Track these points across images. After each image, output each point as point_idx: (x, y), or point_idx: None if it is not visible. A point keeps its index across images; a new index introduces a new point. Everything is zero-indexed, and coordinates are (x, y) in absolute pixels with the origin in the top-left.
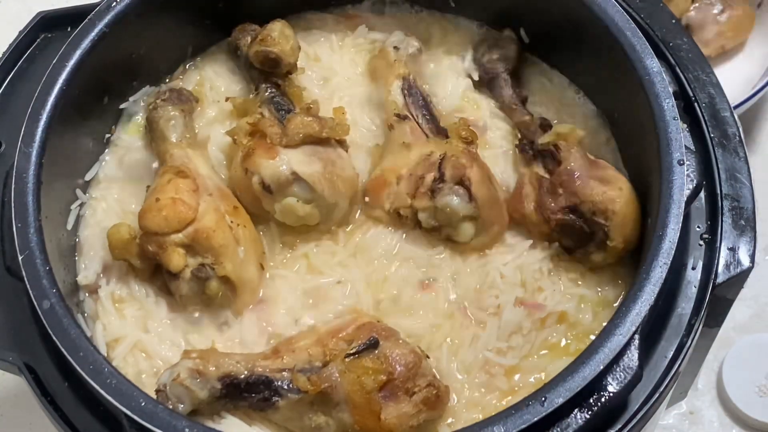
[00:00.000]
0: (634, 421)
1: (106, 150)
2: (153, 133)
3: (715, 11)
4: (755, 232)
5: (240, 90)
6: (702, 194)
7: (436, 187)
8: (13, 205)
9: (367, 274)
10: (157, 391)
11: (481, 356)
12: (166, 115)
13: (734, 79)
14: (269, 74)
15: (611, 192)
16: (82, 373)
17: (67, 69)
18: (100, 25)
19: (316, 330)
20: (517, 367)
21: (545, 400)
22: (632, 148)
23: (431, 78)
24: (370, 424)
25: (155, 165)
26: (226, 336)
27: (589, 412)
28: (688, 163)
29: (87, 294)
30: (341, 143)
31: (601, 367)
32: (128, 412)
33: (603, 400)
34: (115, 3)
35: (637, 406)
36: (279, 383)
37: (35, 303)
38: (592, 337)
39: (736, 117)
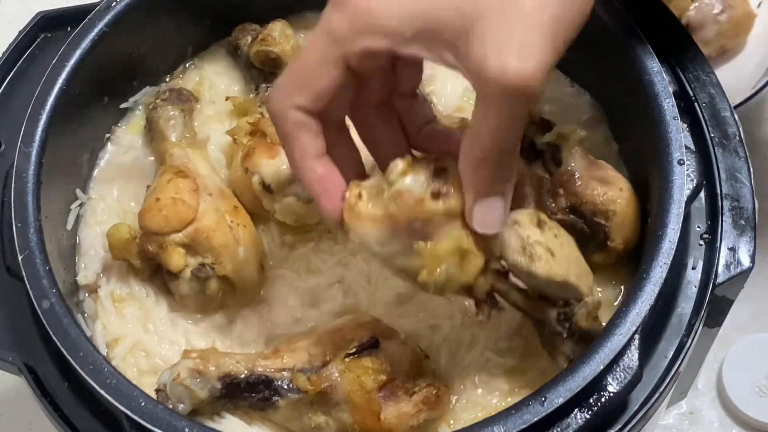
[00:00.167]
0: (634, 421)
1: (106, 150)
2: (153, 133)
3: (715, 11)
4: (755, 232)
5: (240, 89)
6: (702, 194)
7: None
8: (12, 205)
9: (367, 274)
10: (157, 391)
11: (481, 356)
12: (165, 114)
13: (734, 79)
14: (269, 74)
15: (612, 192)
16: (82, 373)
17: (67, 69)
18: (100, 25)
19: (316, 330)
20: (518, 368)
21: (545, 400)
22: (632, 148)
23: (431, 78)
24: (370, 423)
25: (155, 165)
26: (226, 336)
27: (589, 412)
28: (688, 163)
29: (87, 294)
30: None
31: (601, 367)
32: (128, 412)
33: (603, 400)
34: (115, 3)
35: (637, 406)
36: (279, 383)
37: (35, 303)
38: None
39: (736, 117)
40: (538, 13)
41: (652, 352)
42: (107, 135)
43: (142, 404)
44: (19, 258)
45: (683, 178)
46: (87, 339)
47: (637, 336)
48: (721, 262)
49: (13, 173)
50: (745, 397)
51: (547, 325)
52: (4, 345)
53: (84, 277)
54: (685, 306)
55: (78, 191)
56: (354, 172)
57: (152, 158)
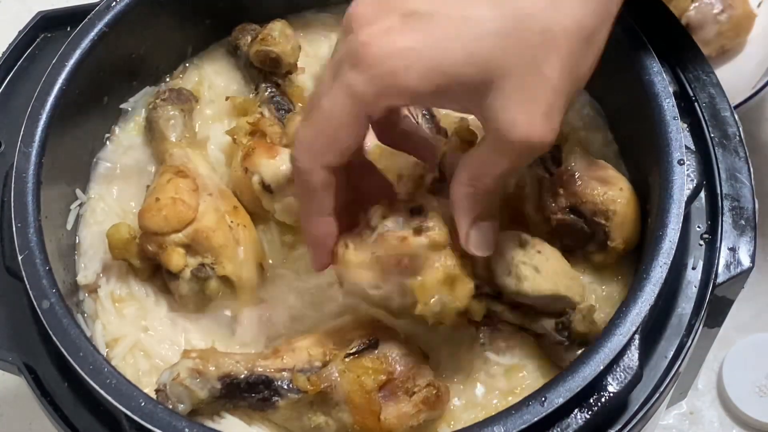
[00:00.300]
0: (635, 421)
1: (106, 150)
2: (152, 133)
3: (715, 11)
4: (755, 232)
5: (239, 89)
6: (702, 194)
7: (435, 188)
8: (12, 204)
9: None
10: (157, 391)
11: (481, 357)
12: (165, 114)
13: (734, 79)
14: (269, 74)
15: (612, 192)
16: (82, 373)
17: (67, 69)
18: (100, 25)
19: (316, 330)
20: (518, 368)
21: (545, 400)
22: (632, 148)
23: None
24: (370, 424)
25: (155, 165)
26: (225, 336)
27: (590, 412)
28: (688, 163)
29: (87, 294)
30: None
31: (601, 367)
32: (128, 412)
33: (603, 400)
34: (115, 3)
35: (637, 406)
36: (279, 383)
37: (35, 303)
38: None
39: (736, 117)
40: (558, 76)
41: (652, 352)
42: (107, 135)
43: (142, 404)
44: (19, 258)
45: (683, 178)
46: (87, 339)
47: (637, 336)
48: (721, 262)
49: (13, 173)
50: (745, 397)
51: (547, 336)
52: (4, 345)
53: (84, 277)
54: (685, 306)
55: (78, 191)
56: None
57: (152, 158)
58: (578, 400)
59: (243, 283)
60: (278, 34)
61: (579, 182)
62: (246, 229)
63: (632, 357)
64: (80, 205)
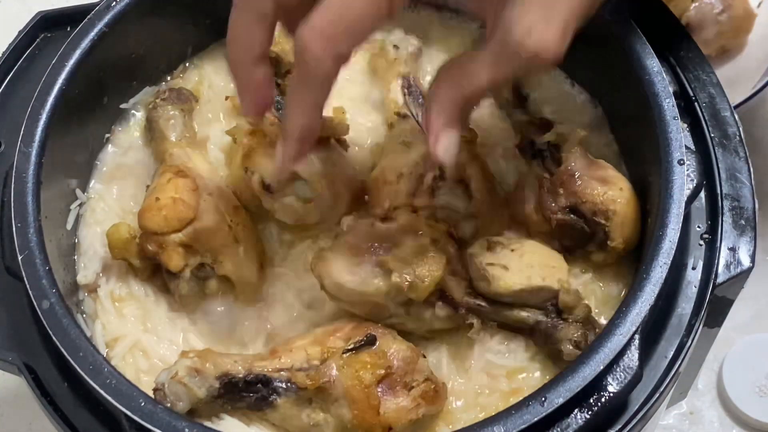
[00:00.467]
0: (635, 421)
1: (106, 149)
2: (152, 133)
3: (715, 11)
4: (755, 232)
5: None
6: (702, 194)
7: (436, 186)
8: (12, 204)
9: None
10: (155, 390)
11: (480, 357)
12: (165, 114)
13: (734, 79)
14: None
15: (612, 192)
16: (82, 373)
17: (67, 69)
18: (100, 25)
19: (314, 331)
20: (518, 368)
21: (545, 400)
22: (632, 148)
23: (431, 77)
24: (369, 418)
25: (155, 165)
26: (225, 335)
27: (590, 412)
28: (688, 163)
29: (86, 293)
30: (341, 142)
31: (601, 367)
32: (128, 412)
33: (603, 400)
34: (115, 3)
35: (637, 406)
36: (277, 381)
37: (35, 303)
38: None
39: (736, 117)
40: None
41: (652, 352)
42: (107, 135)
43: (142, 404)
44: (19, 258)
45: (683, 178)
46: (87, 339)
47: (637, 336)
48: (721, 262)
49: (13, 173)
50: (745, 397)
51: (541, 326)
52: (4, 345)
53: (84, 276)
54: (685, 306)
55: (78, 191)
56: None
57: (152, 158)
58: (578, 400)
59: (242, 282)
60: (278, 34)
61: (579, 182)
62: (246, 228)
63: (632, 357)
64: (80, 205)
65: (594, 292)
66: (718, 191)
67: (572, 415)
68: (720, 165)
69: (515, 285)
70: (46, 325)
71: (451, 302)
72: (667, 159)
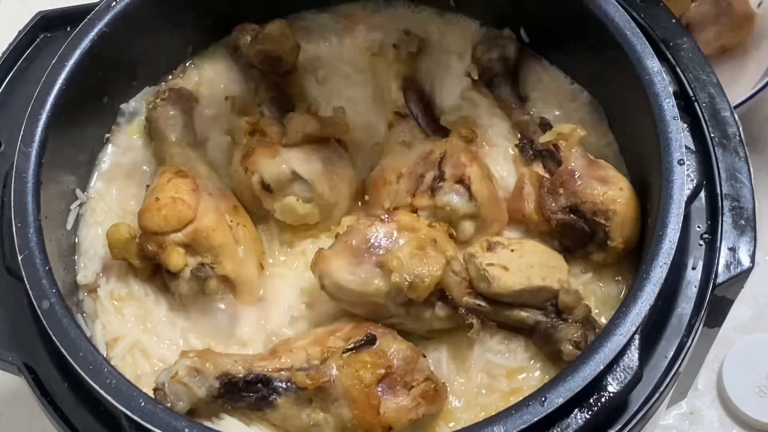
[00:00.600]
0: (635, 421)
1: (106, 149)
2: (152, 133)
3: (715, 11)
4: (755, 232)
5: (239, 89)
6: (702, 194)
7: (436, 186)
8: (12, 204)
9: None
10: (155, 390)
11: (481, 357)
12: (165, 114)
13: (734, 79)
14: (269, 73)
15: (612, 192)
16: (82, 373)
17: (67, 69)
18: (100, 25)
19: (314, 331)
20: (518, 368)
21: (545, 400)
22: (632, 147)
23: (430, 76)
24: (369, 418)
25: (155, 165)
26: (224, 335)
27: (590, 412)
28: (688, 163)
29: (86, 293)
30: (341, 142)
31: (601, 367)
32: (128, 412)
33: (603, 400)
34: (114, 3)
35: (637, 406)
36: (277, 381)
37: (35, 303)
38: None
39: (736, 117)
40: None
41: (652, 352)
42: (107, 135)
43: (142, 404)
44: (19, 258)
45: (683, 178)
46: (87, 339)
47: (637, 336)
48: (721, 262)
49: (13, 173)
50: (745, 397)
51: (541, 326)
52: (4, 345)
53: (84, 276)
54: (685, 306)
55: (78, 191)
56: None
57: (152, 158)
58: (578, 400)
59: (242, 282)
60: (278, 34)
61: (579, 182)
62: (246, 228)
63: (632, 357)
64: (80, 205)
65: (594, 292)
66: (718, 191)
67: (572, 415)
68: (720, 165)
69: (515, 285)
70: (46, 325)
71: (451, 302)
72: (667, 159)
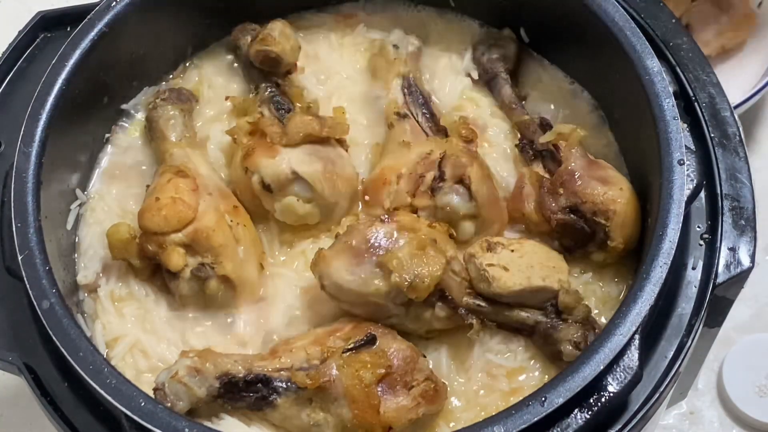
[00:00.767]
0: (635, 421)
1: (106, 149)
2: (152, 133)
3: (715, 11)
4: (755, 232)
5: (239, 89)
6: (702, 194)
7: (436, 186)
8: (12, 204)
9: None
10: (155, 390)
11: (481, 357)
12: (165, 114)
13: (734, 79)
14: (269, 73)
15: (612, 192)
16: (82, 373)
17: (67, 69)
18: (100, 25)
19: (314, 331)
20: (518, 368)
21: (545, 400)
22: (632, 147)
23: (430, 76)
24: (369, 418)
25: (155, 165)
26: (224, 335)
27: (590, 412)
28: (688, 163)
29: (86, 293)
30: (341, 142)
31: (601, 367)
32: (128, 412)
33: (603, 400)
34: (114, 3)
35: (637, 406)
36: (277, 381)
37: (35, 303)
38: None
39: (736, 117)
40: None
41: (652, 352)
42: (107, 135)
43: (142, 404)
44: (19, 258)
45: (683, 178)
46: (87, 339)
47: (637, 336)
48: (721, 262)
49: (13, 173)
50: (745, 397)
51: (541, 327)
52: (4, 345)
53: (84, 276)
54: (685, 306)
55: (78, 191)
56: None
57: (152, 158)
58: (578, 400)
59: (243, 282)
60: (278, 34)
61: (579, 182)
62: (246, 228)
63: (632, 357)
64: (80, 205)
65: (594, 292)
66: (718, 191)
67: (572, 415)
68: (720, 165)
69: (515, 285)
70: (46, 325)
71: (451, 302)
72: (667, 159)
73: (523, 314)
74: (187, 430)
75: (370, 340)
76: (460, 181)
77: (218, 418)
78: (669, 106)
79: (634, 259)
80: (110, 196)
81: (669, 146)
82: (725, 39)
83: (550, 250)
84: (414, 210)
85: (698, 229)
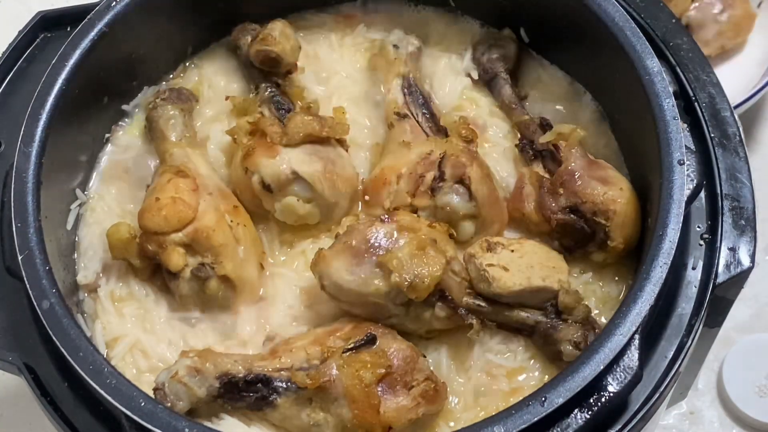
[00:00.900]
0: (635, 421)
1: (106, 149)
2: (153, 133)
3: (715, 11)
4: (755, 232)
5: (239, 89)
6: (702, 194)
7: (436, 186)
8: (12, 204)
9: None
10: (155, 390)
11: (481, 357)
12: (165, 114)
13: (734, 79)
14: (269, 73)
15: (612, 192)
16: (82, 373)
17: (67, 69)
18: (100, 25)
19: (314, 331)
20: (518, 368)
21: (545, 400)
22: (632, 147)
23: (430, 76)
24: (369, 418)
25: (155, 164)
26: (224, 335)
27: (590, 412)
28: (688, 163)
29: (86, 293)
30: (341, 142)
31: (601, 367)
32: (128, 412)
33: (603, 400)
34: (114, 3)
35: (637, 406)
36: (277, 381)
37: (35, 303)
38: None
39: (736, 117)
40: None
41: (652, 352)
42: (107, 135)
43: (142, 404)
44: (19, 258)
45: (683, 178)
46: (87, 339)
47: (637, 336)
48: (721, 262)
49: (13, 173)
50: (745, 397)
51: (541, 327)
52: (4, 345)
53: (84, 276)
54: (685, 306)
55: (78, 191)
56: None
57: (152, 158)
58: (578, 400)
59: (243, 282)
60: (278, 34)
61: (579, 182)
62: (246, 228)
63: (632, 357)
64: (80, 205)
65: (594, 292)
66: (718, 191)
67: (572, 415)
68: (720, 165)
69: (515, 286)
70: (46, 325)
71: (451, 302)
72: (668, 159)
73: (523, 314)
74: (187, 430)
75: (370, 340)
76: (460, 181)
77: (218, 418)
78: (669, 106)
79: (634, 259)
80: (110, 196)
81: (669, 146)
82: (725, 39)
83: (550, 250)
84: (414, 210)
85: (698, 229)
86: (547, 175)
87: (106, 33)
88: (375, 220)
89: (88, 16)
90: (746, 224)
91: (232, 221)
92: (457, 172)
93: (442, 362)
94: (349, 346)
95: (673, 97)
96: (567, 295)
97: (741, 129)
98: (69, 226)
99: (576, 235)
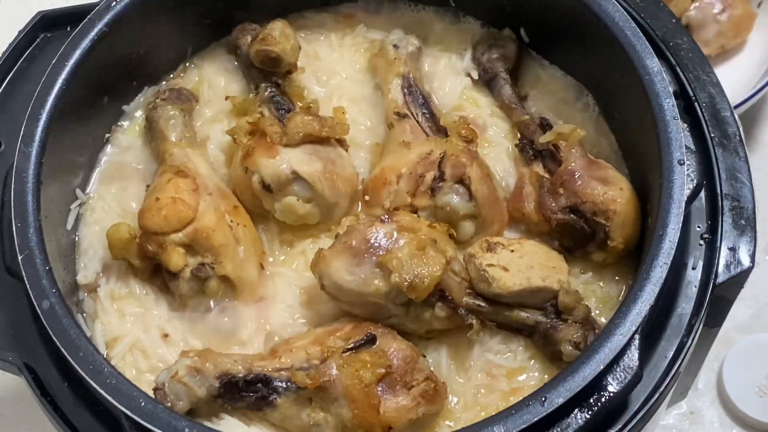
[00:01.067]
0: (635, 421)
1: (106, 149)
2: (152, 133)
3: (715, 11)
4: (755, 232)
5: (239, 89)
6: (702, 194)
7: (436, 186)
8: (12, 204)
9: None
10: (155, 390)
11: (481, 357)
12: (165, 114)
13: (734, 79)
14: (269, 73)
15: (612, 192)
16: (82, 373)
17: (67, 69)
18: (100, 25)
19: (314, 330)
20: (518, 368)
21: (545, 400)
22: (632, 147)
23: (430, 76)
24: (369, 417)
25: (155, 165)
26: (224, 335)
27: (590, 412)
28: (688, 162)
29: (86, 293)
30: (341, 142)
31: (601, 367)
32: (128, 412)
33: (603, 400)
34: (115, 3)
35: (637, 406)
36: (277, 381)
37: (35, 303)
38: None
39: (736, 117)
40: None
41: (652, 352)
42: (107, 135)
43: (142, 404)
44: (19, 258)
45: (683, 178)
46: (87, 339)
47: (637, 336)
48: (721, 262)
49: (13, 173)
50: (745, 397)
51: (541, 327)
52: (4, 345)
53: (84, 276)
54: (685, 306)
55: (78, 191)
56: None
57: (152, 158)
58: (578, 400)
59: (243, 282)
60: (278, 34)
61: (579, 182)
62: (246, 228)
63: (632, 357)
64: (80, 205)
65: (594, 292)
66: (718, 191)
67: (572, 415)
68: (720, 165)
69: (515, 286)
70: (46, 325)
71: (450, 302)
72: (668, 159)
73: (523, 314)
74: (187, 430)
75: (370, 340)
76: (460, 181)
77: (218, 418)
78: (669, 106)
79: (634, 259)
80: (110, 196)
81: (669, 146)
82: (725, 39)
83: (550, 250)
84: (414, 210)
85: (698, 229)
86: (547, 175)
87: (106, 33)
88: (375, 220)
89: (88, 16)
90: (746, 224)
91: (232, 221)
92: (457, 172)
93: (442, 362)
94: (349, 346)
95: (673, 97)
96: (567, 295)
97: (741, 129)
98: (69, 226)
99: (576, 235)
